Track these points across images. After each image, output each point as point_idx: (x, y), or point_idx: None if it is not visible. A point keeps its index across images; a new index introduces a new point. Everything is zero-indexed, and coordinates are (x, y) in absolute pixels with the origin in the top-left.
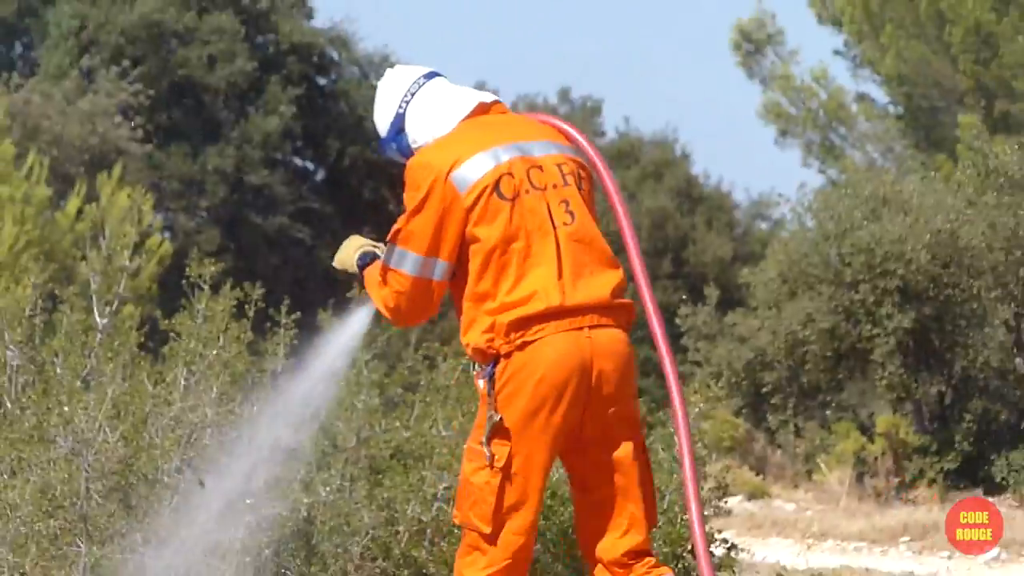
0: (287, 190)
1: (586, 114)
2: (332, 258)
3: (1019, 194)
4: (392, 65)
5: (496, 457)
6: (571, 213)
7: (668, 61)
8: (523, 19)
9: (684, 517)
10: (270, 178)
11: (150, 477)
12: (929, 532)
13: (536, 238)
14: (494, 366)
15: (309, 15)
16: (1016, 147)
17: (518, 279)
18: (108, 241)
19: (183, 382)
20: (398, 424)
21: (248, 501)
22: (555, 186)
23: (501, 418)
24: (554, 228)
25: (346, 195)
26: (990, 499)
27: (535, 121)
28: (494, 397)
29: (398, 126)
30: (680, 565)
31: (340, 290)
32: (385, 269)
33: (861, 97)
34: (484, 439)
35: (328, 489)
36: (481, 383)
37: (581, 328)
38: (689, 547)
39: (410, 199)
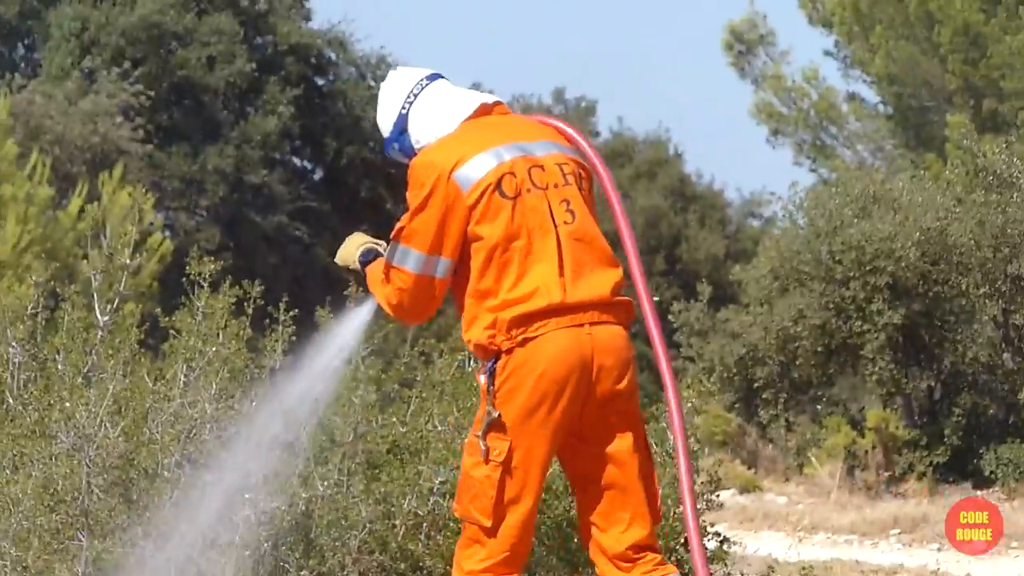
0: (286, 189)
1: (580, 114)
2: (331, 256)
3: (1007, 192)
4: (389, 66)
5: (496, 452)
6: (572, 212)
7: (661, 62)
8: (518, 20)
9: (677, 511)
10: (269, 177)
11: (150, 472)
12: (919, 525)
13: (537, 236)
14: (495, 362)
15: (307, 17)
16: (1004, 146)
17: (520, 276)
18: (109, 240)
19: (183, 378)
20: (395, 419)
21: (247, 495)
22: (556, 185)
23: (499, 414)
24: (555, 226)
25: (344, 194)
26: (979, 492)
27: (536, 122)
28: (493, 393)
29: (401, 127)
30: (673, 558)
31: (338, 288)
32: (388, 266)
33: (851, 97)
34: (480, 434)
35: (326, 483)
36: (482, 378)
37: (582, 325)
38: (682, 540)
39: (413, 197)
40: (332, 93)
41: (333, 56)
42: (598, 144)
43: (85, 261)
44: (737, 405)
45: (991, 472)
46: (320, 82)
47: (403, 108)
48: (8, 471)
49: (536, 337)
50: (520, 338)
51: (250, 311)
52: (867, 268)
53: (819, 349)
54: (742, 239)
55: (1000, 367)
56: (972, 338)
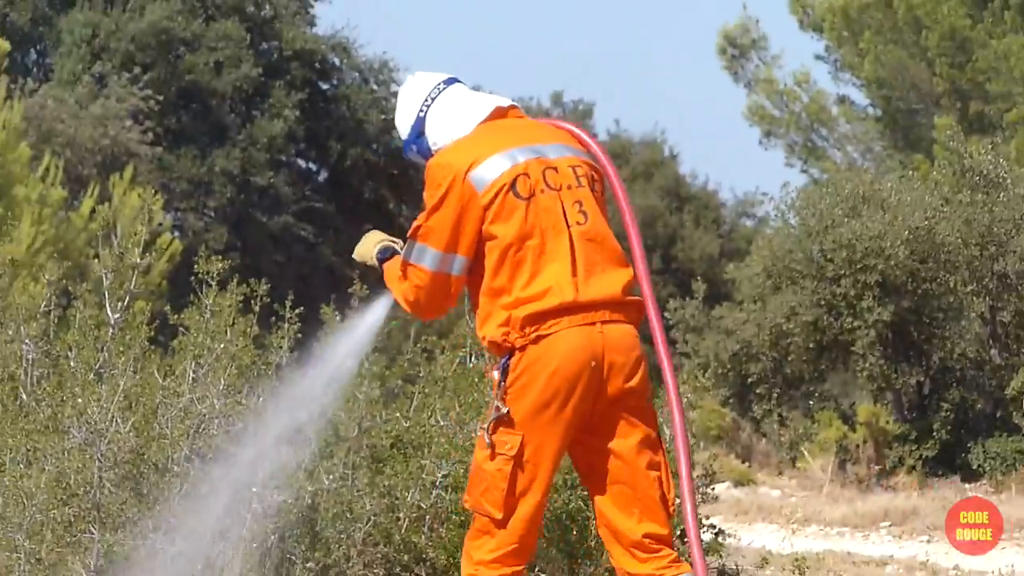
0: (291, 190)
1: (578, 117)
2: (335, 255)
3: (993, 192)
4: (391, 70)
5: (508, 446)
6: (584, 213)
7: (660, 62)
8: (517, 22)
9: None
10: (275, 179)
11: (160, 466)
12: (909, 517)
13: (551, 236)
14: (509, 358)
15: (311, 23)
16: (990, 147)
17: (533, 275)
18: (120, 240)
19: (192, 374)
20: (398, 414)
21: (254, 489)
22: (569, 187)
23: (507, 410)
24: (568, 227)
25: (347, 195)
26: (967, 486)
27: (550, 125)
28: (504, 389)
29: (419, 129)
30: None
31: (342, 286)
32: (405, 264)
33: (842, 100)
34: (486, 428)
35: (331, 477)
36: (496, 374)
37: (593, 323)
38: (678, 532)
39: (430, 197)
40: (336, 97)
41: (337, 61)
42: None
43: (96, 260)
44: (731, 400)
45: (979, 466)
46: (324, 86)
47: (421, 111)
48: (22, 465)
49: (549, 335)
50: (533, 335)
51: (257, 309)
52: (857, 266)
53: (811, 345)
54: (736, 238)
55: (988, 363)
56: (960, 334)
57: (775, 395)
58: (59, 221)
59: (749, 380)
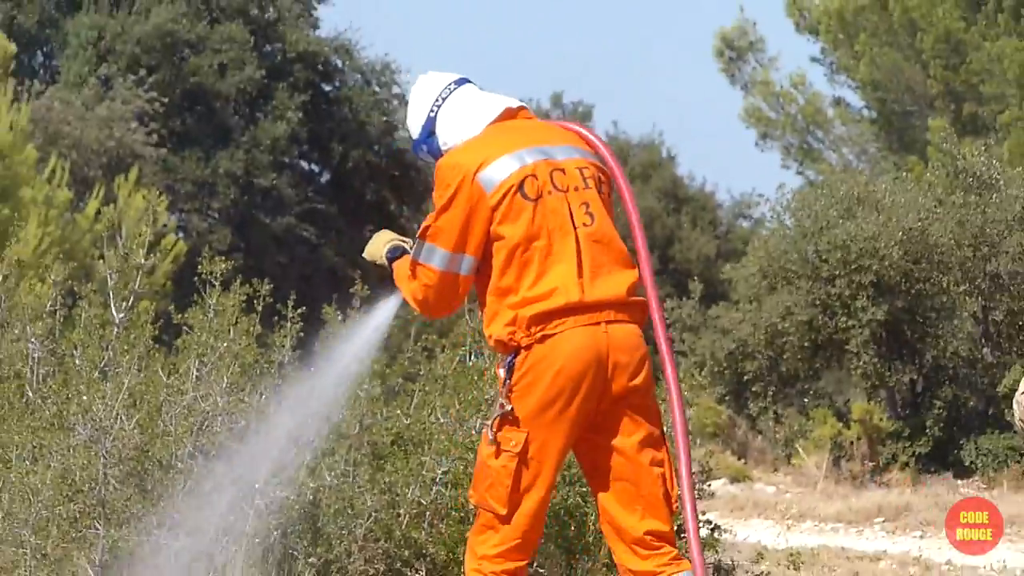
0: (294, 192)
1: (577, 118)
2: (337, 256)
3: (986, 193)
4: (393, 72)
5: (513, 443)
6: (591, 215)
7: (654, 66)
8: (517, 23)
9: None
10: (278, 180)
11: (164, 463)
12: (902, 513)
13: (557, 237)
14: (514, 357)
15: (314, 25)
16: (983, 148)
17: (539, 275)
18: (125, 240)
19: (195, 373)
20: (399, 412)
21: (257, 486)
22: (576, 189)
23: (511, 408)
24: (574, 228)
25: (350, 196)
26: (959, 482)
27: (559, 127)
28: (509, 387)
29: (429, 128)
30: None
31: (344, 286)
32: (415, 263)
33: (837, 102)
34: (490, 425)
35: (333, 474)
36: (501, 372)
37: (598, 323)
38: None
39: (439, 197)
40: (338, 99)
41: (339, 63)
42: None
43: (102, 261)
44: (727, 398)
45: (971, 462)
46: (327, 88)
47: (431, 111)
48: (28, 462)
49: (554, 334)
50: (539, 335)
51: (259, 308)
52: (852, 266)
53: (806, 344)
54: (732, 239)
55: (980, 361)
56: (953, 333)
57: (771, 393)
58: (65, 222)
59: (745, 378)
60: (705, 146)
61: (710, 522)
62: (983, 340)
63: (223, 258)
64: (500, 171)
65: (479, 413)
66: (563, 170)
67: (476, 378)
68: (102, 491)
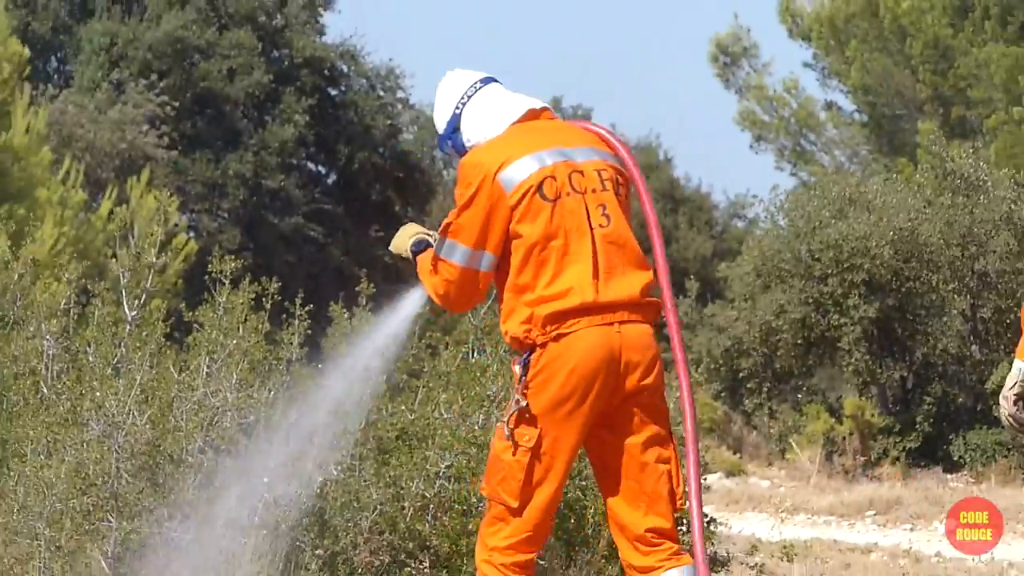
0: (301, 193)
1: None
2: (343, 255)
3: (974, 195)
4: (397, 77)
5: (526, 438)
6: (607, 216)
7: (652, 69)
8: (516, 24)
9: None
10: (285, 182)
11: (175, 457)
12: (893, 507)
13: (574, 238)
14: (530, 354)
15: (321, 32)
16: (971, 151)
17: (556, 275)
18: (137, 240)
19: (206, 369)
20: (403, 408)
21: (265, 479)
22: (594, 190)
23: (527, 404)
24: (591, 229)
25: (355, 197)
26: (949, 476)
27: (580, 128)
28: (525, 383)
29: (454, 125)
30: None
31: (350, 284)
32: (436, 259)
33: (829, 106)
34: (506, 420)
35: (339, 468)
36: (517, 368)
37: (612, 324)
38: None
39: (461, 195)
40: (344, 103)
41: (345, 68)
42: None
43: (114, 260)
44: (723, 394)
45: (960, 457)
46: (333, 92)
47: (457, 108)
48: (42, 456)
49: (569, 333)
50: (554, 334)
51: (268, 306)
52: (844, 266)
53: (799, 341)
54: (727, 239)
55: (968, 358)
56: (942, 331)
57: (765, 389)
58: (79, 222)
59: (740, 375)
60: (701, 148)
61: (706, 515)
62: (972, 337)
63: (233, 257)
64: (520, 171)
65: (482, 409)
66: (582, 172)
67: (479, 375)
68: (115, 485)
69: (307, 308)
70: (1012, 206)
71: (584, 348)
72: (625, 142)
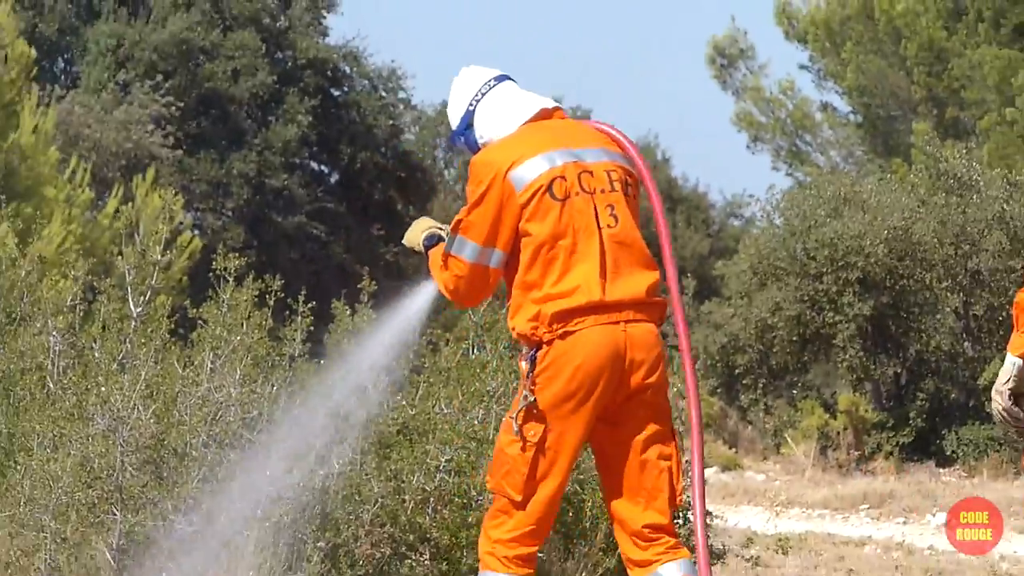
0: (304, 192)
1: None
2: (346, 253)
3: (967, 194)
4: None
5: (532, 432)
6: (615, 217)
7: (650, 69)
8: (516, 24)
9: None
10: (289, 181)
11: (179, 451)
12: (886, 500)
13: (582, 237)
14: (536, 351)
15: (324, 33)
16: (964, 151)
17: (563, 273)
18: (142, 238)
19: (210, 365)
20: (404, 403)
21: (268, 473)
22: (603, 191)
23: (535, 400)
24: (599, 229)
25: (357, 196)
26: (941, 471)
27: (591, 129)
28: (532, 379)
29: (468, 121)
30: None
31: (352, 282)
32: (447, 255)
33: (824, 107)
34: (514, 416)
35: (341, 461)
36: (524, 365)
37: (618, 323)
38: (682, 519)
39: (472, 193)
40: (347, 103)
41: (348, 69)
42: None
43: (120, 258)
44: (719, 390)
45: (952, 452)
46: (336, 93)
47: (471, 105)
48: (48, 450)
49: (575, 331)
50: (560, 331)
51: (271, 303)
52: (838, 264)
53: (794, 338)
54: (724, 238)
55: (961, 355)
56: (935, 328)
57: (761, 385)
58: (86, 221)
59: (736, 371)
60: (699, 148)
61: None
62: (964, 334)
63: (236, 255)
64: (531, 171)
65: (481, 404)
66: (591, 172)
67: (479, 370)
68: (119, 478)
69: (310, 305)
70: (1004, 206)
71: (590, 346)
72: (634, 142)
